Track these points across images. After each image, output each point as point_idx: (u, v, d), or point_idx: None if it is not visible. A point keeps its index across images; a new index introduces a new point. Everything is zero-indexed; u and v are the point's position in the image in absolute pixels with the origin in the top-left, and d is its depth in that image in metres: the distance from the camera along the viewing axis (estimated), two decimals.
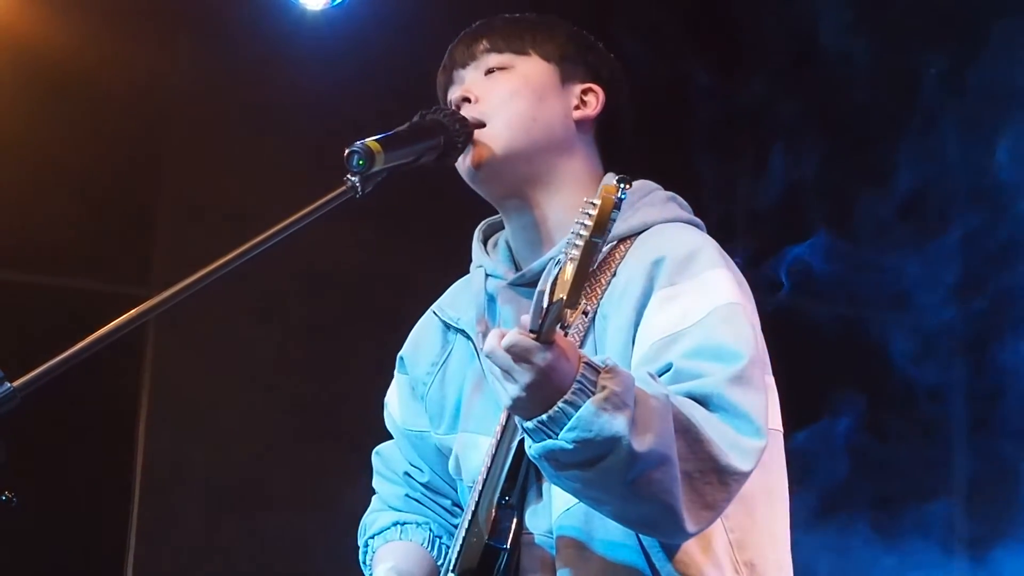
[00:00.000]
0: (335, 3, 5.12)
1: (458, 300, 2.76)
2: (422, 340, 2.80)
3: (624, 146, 2.72)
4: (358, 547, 2.87)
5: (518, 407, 2.25)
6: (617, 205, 2.14)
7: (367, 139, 2.45)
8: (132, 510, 5.21)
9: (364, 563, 2.83)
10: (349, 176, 2.43)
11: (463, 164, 2.61)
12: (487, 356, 2.24)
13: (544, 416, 2.22)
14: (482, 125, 2.59)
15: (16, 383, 2.17)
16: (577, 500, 2.43)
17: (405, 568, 2.73)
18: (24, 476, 2.22)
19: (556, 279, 2.17)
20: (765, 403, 2.40)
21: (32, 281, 5.18)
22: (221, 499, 5.22)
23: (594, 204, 2.15)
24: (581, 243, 2.15)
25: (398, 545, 2.79)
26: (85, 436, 5.15)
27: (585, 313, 2.31)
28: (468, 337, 2.70)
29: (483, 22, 2.71)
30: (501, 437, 2.49)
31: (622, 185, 2.15)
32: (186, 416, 5.25)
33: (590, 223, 2.14)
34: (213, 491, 5.21)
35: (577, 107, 2.65)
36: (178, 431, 5.24)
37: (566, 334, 2.25)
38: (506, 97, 2.60)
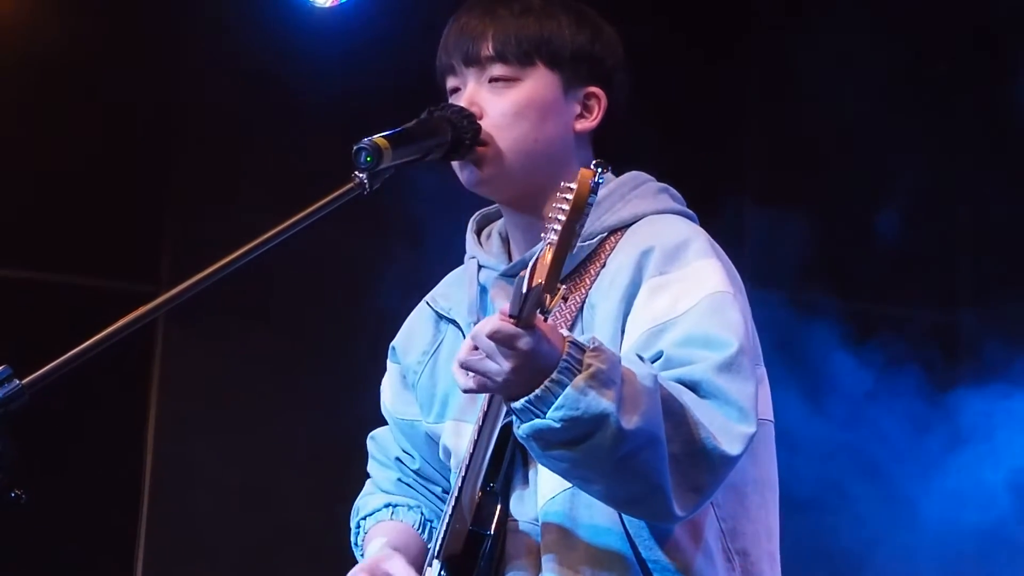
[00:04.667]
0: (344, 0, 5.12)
1: (451, 291, 2.77)
2: (414, 330, 2.81)
3: (617, 139, 2.72)
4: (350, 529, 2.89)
5: (504, 389, 2.27)
6: (594, 189, 2.18)
7: (375, 136, 2.45)
8: (142, 509, 5.21)
9: (356, 543, 2.83)
10: (357, 173, 2.44)
11: (463, 176, 2.62)
12: (471, 336, 2.26)
13: (531, 396, 2.24)
14: (483, 143, 2.58)
15: (25, 380, 2.18)
16: (563, 487, 2.46)
17: (397, 544, 2.73)
18: (33, 474, 2.22)
19: (536, 264, 2.19)
20: (755, 391, 2.42)
21: (41, 278, 5.18)
22: (231, 498, 5.22)
23: (571, 188, 2.18)
24: (559, 227, 2.18)
25: (390, 524, 2.79)
26: (94, 434, 5.15)
27: (565, 299, 2.33)
28: (459, 327, 2.71)
29: (489, 3, 2.65)
30: (483, 422, 2.50)
31: (599, 170, 2.19)
32: (196, 414, 5.26)
33: (567, 207, 2.18)
34: (223, 490, 5.21)
35: (580, 115, 2.64)
36: (188, 429, 5.25)
37: (546, 319, 2.26)
38: (510, 117, 2.58)
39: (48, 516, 4.87)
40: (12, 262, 5.14)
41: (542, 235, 2.21)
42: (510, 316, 2.21)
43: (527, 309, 2.20)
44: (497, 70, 2.60)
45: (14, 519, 2.20)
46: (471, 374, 2.29)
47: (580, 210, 2.18)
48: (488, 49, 2.60)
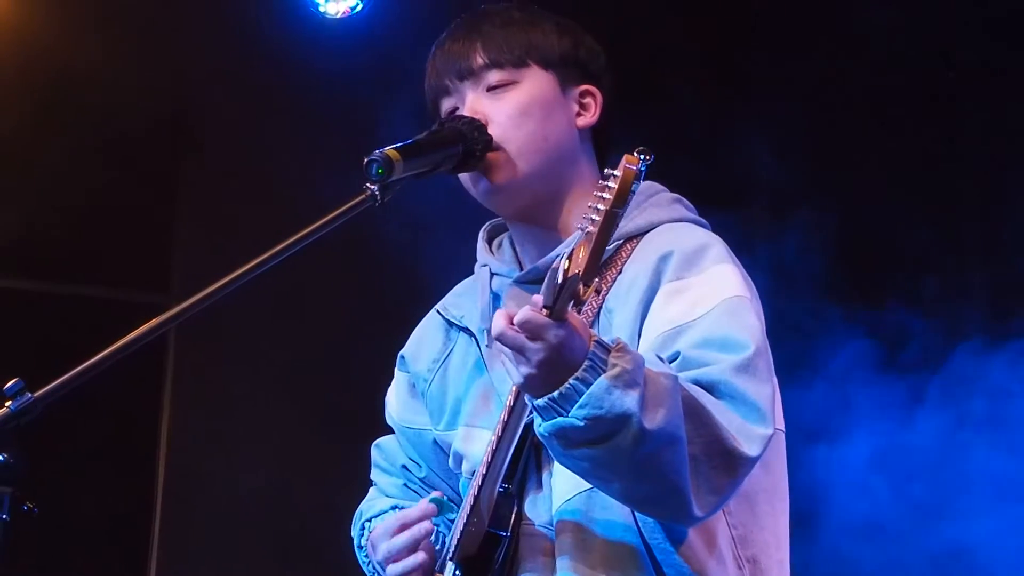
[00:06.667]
0: (355, 10, 5.13)
1: (462, 299, 2.77)
2: (424, 338, 2.81)
3: (613, 139, 2.72)
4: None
5: (529, 385, 2.26)
6: (639, 176, 2.14)
7: (386, 148, 2.46)
8: (155, 517, 5.22)
9: (359, 546, 2.81)
10: (368, 184, 2.44)
11: (477, 187, 2.62)
12: (496, 337, 2.24)
13: (555, 393, 2.23)
14: (495, 149, 2.58)
15: (38, 393, 2.19)
16: (579, 490, 2.46)
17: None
18: (46, 486, 2.22)
19: (571, 256, 2.16)
20: (772, 393, 2.43)
21: (53, 291, 5.20)
22: (243, 505, 5.23)
23: (615, 176, 2.14)
24: (599, 217, 2.14)
25: None
26: (107, 445, 5.16)
27: (597, 292, 2.31)
28: (471, 335, 2.71)
29: (471, 23, 2.67)
30: (508, 419, 2.49)
31: (643, 157, 2.15)
32: (208, 423, 5.26)
33: (609, 196, 2.14)
34: (235, 497, 5.22)
35: (579, 114, 2.66)
36: (200, 438, 5.25)
37: (579, 312, 2.25)
38: (517, 119, 2.60)
39: (63, 524, 4.88)
40: (23, 274, 5.15)
41: (578, 226, 2.18)
42: (543, 307, 2.19)
43: (561, 300, 2.17)
44: (494, 76, 2.62)
45: (31, 525, 2.21)
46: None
47: (624, 196, 2.13)
48: (480, 59, 2.62)
